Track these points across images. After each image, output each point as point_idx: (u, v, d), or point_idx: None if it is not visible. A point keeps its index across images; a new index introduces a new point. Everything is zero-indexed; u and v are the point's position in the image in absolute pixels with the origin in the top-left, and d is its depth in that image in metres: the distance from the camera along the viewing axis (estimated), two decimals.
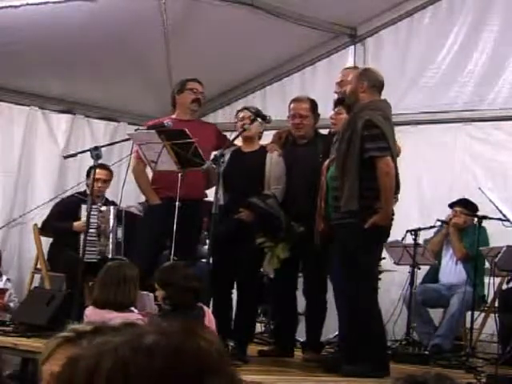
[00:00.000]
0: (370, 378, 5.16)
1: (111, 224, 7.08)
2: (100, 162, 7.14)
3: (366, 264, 5.50)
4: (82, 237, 7.04)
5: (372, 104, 5.60)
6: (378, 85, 5.67)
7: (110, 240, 7.08)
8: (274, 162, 6.32)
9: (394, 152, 5.55)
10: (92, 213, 7.09)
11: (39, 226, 7.52)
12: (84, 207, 7.15)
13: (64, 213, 7.36)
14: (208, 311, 4.96)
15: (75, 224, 7.18)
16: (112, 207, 7.19)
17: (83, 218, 7.06)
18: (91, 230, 7.01)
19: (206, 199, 6.97)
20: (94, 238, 7.02)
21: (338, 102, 6.11)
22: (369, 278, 5.55)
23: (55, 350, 1.61)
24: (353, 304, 5.42)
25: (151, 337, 1.12)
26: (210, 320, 4.86)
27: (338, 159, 5.55)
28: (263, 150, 6.39)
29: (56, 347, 1.62)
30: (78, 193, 7.58)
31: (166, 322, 1.19)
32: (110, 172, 7.58)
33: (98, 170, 7.39)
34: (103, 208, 7.22)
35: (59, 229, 7.35)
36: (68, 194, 7.63)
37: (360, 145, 5.40)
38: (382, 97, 5.69)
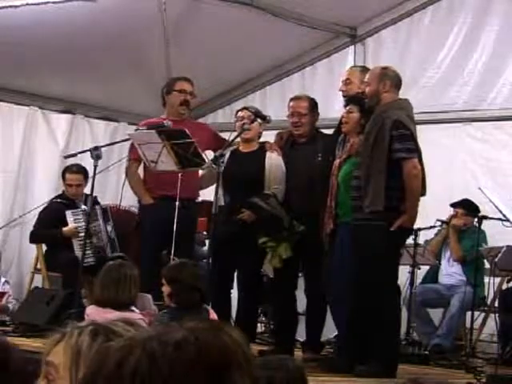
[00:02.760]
0: (378, 379, 5.14)
1: (100, 223, 7.01)
2: (72, 162, 7.17)
3: (389, 265, 5.45)
4: (74, 242, 7.00)
5: (396, 103, 5.53)
6: (398, 83, 5.60)
7: (104, 240, 6.99)
8: (273, 161, 6.32)
9: (420, 153, 5.47)
10: (78, 217, 7.05)
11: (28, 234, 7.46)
12: (69, 213, 7.08)
13: (52, 220, 7.25)
14: (212, 312, 4.95)
15: (64, 229, 7.06)
16: (97, 207, 7.03)
17: (71, 224, 7.03)
18: (81, 234, 6.96)
19: (206, 199, 6.98)
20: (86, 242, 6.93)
21: (349, 101, 6.00)
22: (392, 279, 5.49)
23: (55, 344, 1.63)
24: (369, 304, 5.33)
25: (180, 332, 1.18)
26: None
27: (363, 159, 5.46)
28: (262, 150, 6.39)
29: (56, 342, 1.63)
30: (57, 196, 7.48)
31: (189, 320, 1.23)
32: (82, 174, 7.28)
33: (68, 176, 7.33)
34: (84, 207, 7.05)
35: (48, 236, 7.27)
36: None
37: (388, 145, 5.32)
38: None
